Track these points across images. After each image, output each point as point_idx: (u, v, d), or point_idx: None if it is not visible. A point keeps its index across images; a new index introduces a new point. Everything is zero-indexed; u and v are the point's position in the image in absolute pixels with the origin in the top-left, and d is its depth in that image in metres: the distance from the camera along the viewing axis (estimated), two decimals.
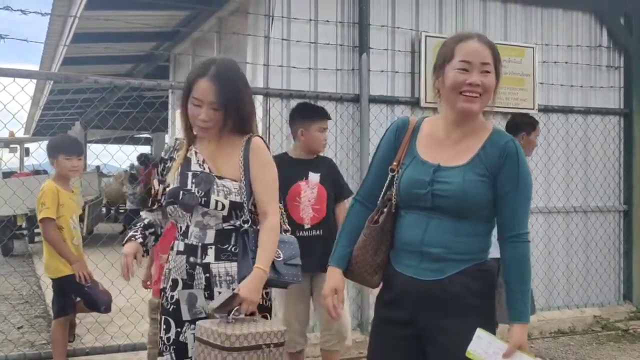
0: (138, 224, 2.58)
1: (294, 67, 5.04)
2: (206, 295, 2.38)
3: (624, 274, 6.41)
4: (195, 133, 2.49)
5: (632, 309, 6.30)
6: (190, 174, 2.45)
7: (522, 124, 4.71)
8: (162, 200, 2.50)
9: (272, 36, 4.97)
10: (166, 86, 4.65)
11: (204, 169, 2.46)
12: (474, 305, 2.19)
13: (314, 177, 3.84)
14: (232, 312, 2.22)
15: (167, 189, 2.47)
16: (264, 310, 2.46)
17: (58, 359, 4.25)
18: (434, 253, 2.19)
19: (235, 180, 2.41)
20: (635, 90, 6.40)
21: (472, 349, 2.13)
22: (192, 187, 2.42)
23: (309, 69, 5.10)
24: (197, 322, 2.28)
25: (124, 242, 2.52)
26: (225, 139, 2.48)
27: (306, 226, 3.73)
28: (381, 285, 2.38)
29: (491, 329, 2.19)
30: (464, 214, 2.18)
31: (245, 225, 2.40)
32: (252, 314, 2.31)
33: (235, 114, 2.41)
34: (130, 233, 2.54)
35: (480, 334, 2.14)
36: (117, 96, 5.15)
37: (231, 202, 2.38)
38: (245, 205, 2.40)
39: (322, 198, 3.78)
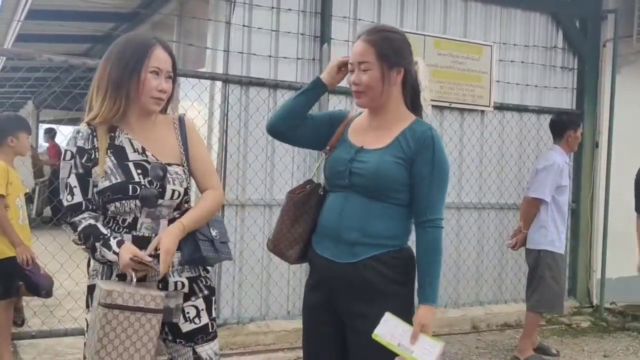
0: (102, 230, 2.22)
1: (254, 55, 5.01)
2: (160, 287, 2.29)
3: (570, 271, 6.58)
4: (115, 114, 2.24)
5: (575, 304, 6.49)
6: (131, 164, 2.25)
7: (568, 123, 5.08)
8: (95, 197, 2.25)
9: (233, 22, 4.93)
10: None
11: (147, 157, 2.29)
12: (389, 291, 2.28)
13: None
14: (149, 263, 2.15)
15: (102, 185, 2.21)
16: (211, 291, 2.43)
17: (2, 341, 4.16)
18: (350, 236, 2.30)
19: (179, 165, 2.34)
20: (587, 92, 6.57)
21: (379, 332, 2.20)
22: (139, 179, 2.24)
23: (270, 56, 5.08)
24: (99, 284, 2.14)
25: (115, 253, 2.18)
26: (156, 120, 2.37)
27: None
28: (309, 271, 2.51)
29: (407, 316, 2.26)
30: (377, 193, 2.29)
31: (186, 205, 2.38)
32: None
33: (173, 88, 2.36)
34: (107, 241, 2.20)
35: (387, 317, 2.21)
36: (72, 76, 5.02)
37: (184, 189, 2.33)
38: (189, 191, 2.38)
39: None
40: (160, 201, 2.27)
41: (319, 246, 2.40)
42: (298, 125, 2.47)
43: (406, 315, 2.26)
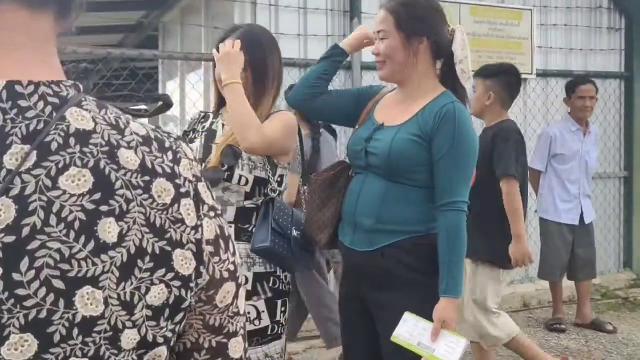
0: None
1: (283, 34, 4.85)
2: None
3: (624, 241, 6.31)
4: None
5: (632, 276, 6.21)
6: (214, 146, 2.28)
7: (565, 89, 5.01)
8: None
9: (259, 2, 4.80)
10: (149, 55, 4.49)
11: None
12: (410, 280, 2.10)
13: None
14: None
15: None
16: (276, 293, 2.26)
17: None
18: (365, 223, 2.15)
19: (260, 154, 2.26)
20: (636, 53, 6.22)
21: (398, 333, 2.04)
22: None
23: (298, 35, 4.93)
24: None
25: None
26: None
27: None
28: None
29: (427, 306, 2.07)
30: (393, 174, 2.12)
31: (272, 194, 2.26)
32: None
33: (260, 76, 2.29)
34: None
35: (406, 316, 2.05)
36: (97, 67, 5.00)
37: (255, 178, 2.23)
38: (270, 181, 2.26)
39: None
40: (227, 184, 2.21)
41: (341, 232, 2.27)
42: (317, 94, 2.35)
43: (428, 305, 2.08)
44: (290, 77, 4.84)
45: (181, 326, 0.71)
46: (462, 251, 2.08)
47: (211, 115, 2.42)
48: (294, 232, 2.27)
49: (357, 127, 2.34)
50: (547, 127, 5.20)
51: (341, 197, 2.28)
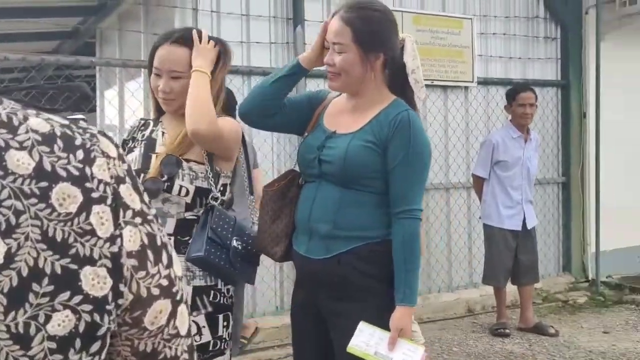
0: None
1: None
2: None
3: (563, 246, 6.46)
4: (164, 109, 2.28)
5: (571, 280, 6.35)
6: (154, 156, 2.20)
7: (505, 96, 5.15)
8: None
9: (201, 8, 4.71)
10: (86, 62, 4.33)
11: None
12: (366, 287, 2.08)
13: None
14: None
15: None
16: (217, 307, 2.18)
17: None
18: (321, 230, 2.11)
19: (200, 163, 2.17)
20: (572, 61, 6.39)
21: (354, 343, 2.02)
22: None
23: (241, 42, 4.85)
24: None
25: None
26: None
27: None
28: None
29: (384, 314, 2.05)
30: (348, 181, 2.09)
31: (213, 202, 2.17)
32: None
33: None
34: None
35: (362, 326, 2.03)
36: (30, 74, 4.79)
37: (197, 188, 2.14)
38: (212, 190, 2.18)
39: None
40: (167, 195, 2.12)
41: (295, 241, 2.22)
42: (275, 113, 2.25)
43: (383, 313, 2.05)
44: (234, 84, 4.77)
45: (102, 357, 0.62)
46: (418, 260, 2.07)
47: (151, 123, 2.33)
48: (235, 243, 2.19)
49: (306, 134, 2.29)
50: (490, 134, 5.30)
51: (293, 206, 2.23)
